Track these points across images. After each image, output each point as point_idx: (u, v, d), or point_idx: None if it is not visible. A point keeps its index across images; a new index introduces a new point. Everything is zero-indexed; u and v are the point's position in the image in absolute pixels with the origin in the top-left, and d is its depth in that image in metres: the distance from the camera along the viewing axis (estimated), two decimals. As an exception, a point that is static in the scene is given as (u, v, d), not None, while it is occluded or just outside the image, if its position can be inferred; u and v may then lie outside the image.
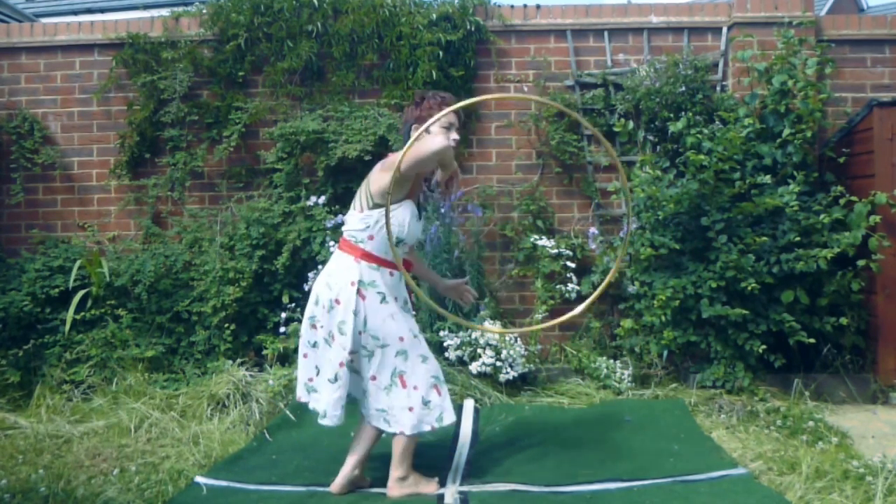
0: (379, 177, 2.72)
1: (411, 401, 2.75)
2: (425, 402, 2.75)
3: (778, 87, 4.28)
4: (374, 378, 2.75)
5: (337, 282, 2.74)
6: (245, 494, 2.77)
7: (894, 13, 5.23)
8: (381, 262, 2.75)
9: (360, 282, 2.71)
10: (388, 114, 4.54)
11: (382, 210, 2.66)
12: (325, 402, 2.73)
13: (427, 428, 2.76)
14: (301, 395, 2.85)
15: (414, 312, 2.91)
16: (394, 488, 2.80)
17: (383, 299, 2.73)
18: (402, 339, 2.74)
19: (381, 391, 2.75)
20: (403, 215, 2.74)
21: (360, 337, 2.72)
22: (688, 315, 4.04)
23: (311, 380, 2.81)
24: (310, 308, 2.82)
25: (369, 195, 2.74)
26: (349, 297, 2.70)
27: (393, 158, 2.71)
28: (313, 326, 2.79)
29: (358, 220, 2.76)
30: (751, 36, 4.52)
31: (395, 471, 2.80)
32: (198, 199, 4.84)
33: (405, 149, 2.55)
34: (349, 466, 2.82)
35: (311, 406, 2.82)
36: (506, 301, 4.70)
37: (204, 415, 3.65)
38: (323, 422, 2.74)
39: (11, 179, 4.79)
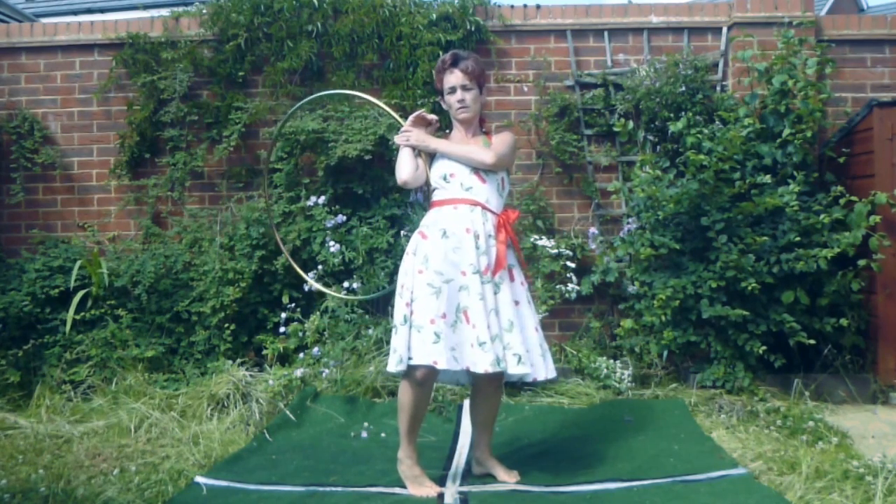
0: None
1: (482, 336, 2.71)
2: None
3: (778, 87, 4.27)
4: (444, 316, 2.68)
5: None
6: (245, 494, 2.77)
7: (894, 13, 5.22)
8: (441, 203, 2.85)
9: (423, 225, 2.82)
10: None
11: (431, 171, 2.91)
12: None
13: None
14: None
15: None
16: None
17: (444, 234, 2.75)
18: (464, 273, 2.73)
19: (448, 328, 2.68)
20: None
21: (421, 276, 2.72)
22: (688, 315, 4.04)
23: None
24: None
25: None
26: (414, 242, 2.81)
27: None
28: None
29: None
30: (751, 36, 4.52)
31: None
32: (198, 199, 4.84)
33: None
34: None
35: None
36: (506, 301, 4.69)
37: (204, 415, 3.65)
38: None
39: (11, 179, 4.79)
